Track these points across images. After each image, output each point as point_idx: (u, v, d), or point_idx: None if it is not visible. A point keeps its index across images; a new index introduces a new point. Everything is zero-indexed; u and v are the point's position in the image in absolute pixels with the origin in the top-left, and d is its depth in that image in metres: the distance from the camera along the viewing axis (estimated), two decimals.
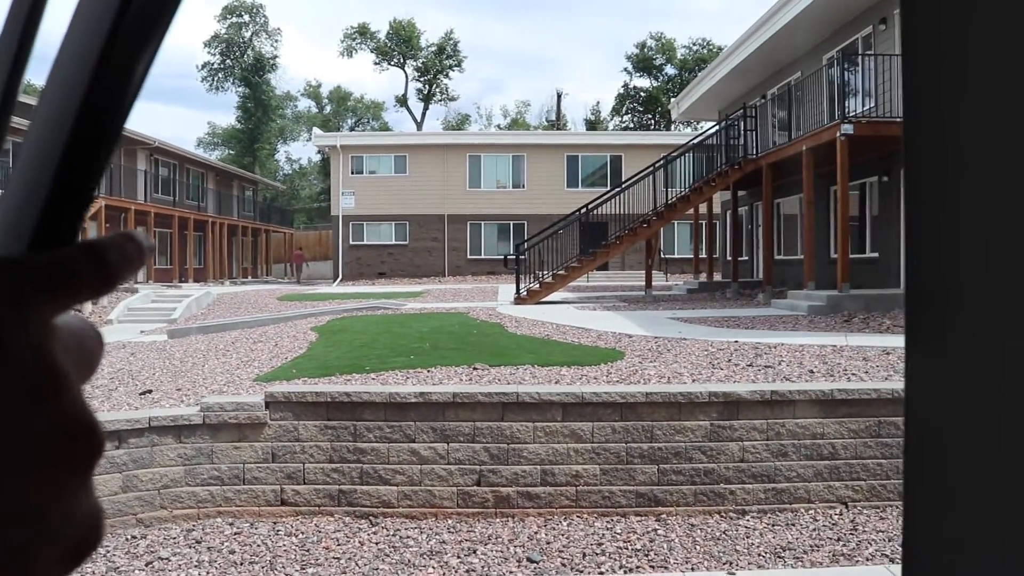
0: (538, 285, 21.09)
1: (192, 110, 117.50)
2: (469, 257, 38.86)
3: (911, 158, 0.50)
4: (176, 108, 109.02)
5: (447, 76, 66.63)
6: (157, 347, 14.92)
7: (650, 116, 64.36)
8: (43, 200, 0.36)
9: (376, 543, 7.48)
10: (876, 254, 17.99)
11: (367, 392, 8.49)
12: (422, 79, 66.36)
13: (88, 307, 24.75)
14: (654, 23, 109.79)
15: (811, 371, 9.28)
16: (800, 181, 17.97)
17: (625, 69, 65.97)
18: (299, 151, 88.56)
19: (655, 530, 7.59)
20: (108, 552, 7.34)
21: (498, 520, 7.94)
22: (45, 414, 0.28)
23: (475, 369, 10.13)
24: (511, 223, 38.66)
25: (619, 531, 7.59)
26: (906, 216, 0.50)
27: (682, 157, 22.96)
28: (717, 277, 26.96)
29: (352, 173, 39.25)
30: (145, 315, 23.16)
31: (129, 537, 7.69)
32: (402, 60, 65.39)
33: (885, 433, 7.94)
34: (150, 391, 10.15)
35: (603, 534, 7.54)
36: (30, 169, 0.37)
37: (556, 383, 9.08)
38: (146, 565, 7.08)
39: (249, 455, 8.25)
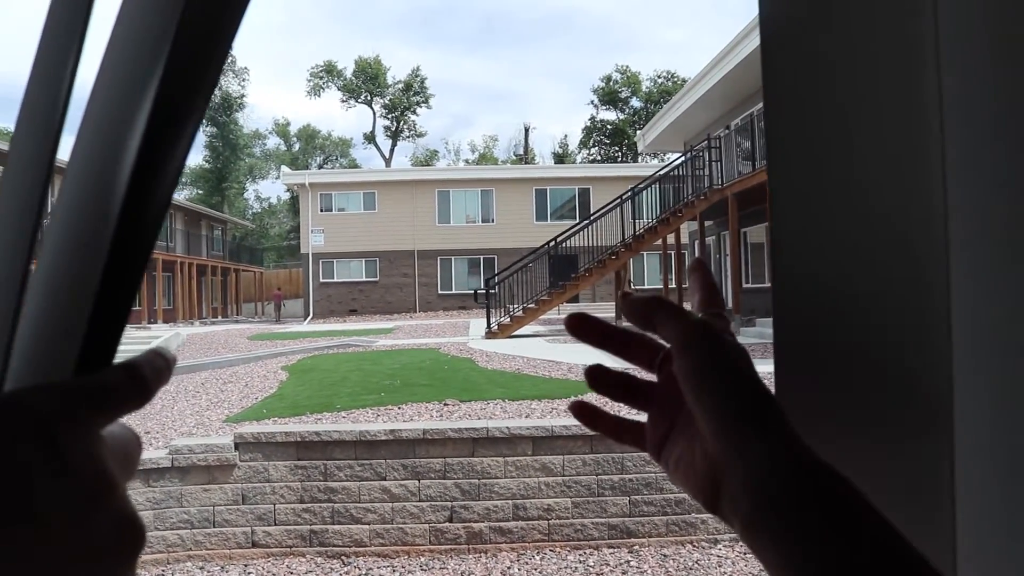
0: (509, 319, 21.14)
1: None
2: (440, 292, 38.86)
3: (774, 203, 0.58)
4: None
5: (415, 112, 66.95)
6: None
7: (617, 148, 64.95)
8: (84, 323, 0.40)
9: None
10: None
11: (337, 431, 8.47)
12: (390, 116, 66.63)
13: None
14: (619, 56, 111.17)
15: None
16: (766, 210, 18.19)
17: (591, 102, 66.65)
18: (268, 189, 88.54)
19: (628, 562, 7.61)
20: None
21: (471, 556, 7.93)
22: (101, 514, 0.33)
23: (446, 405, 10.13)
24: (481, 257, 38.74)
25: (592, 564, 7.60)
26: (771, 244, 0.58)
27: (649, 188, 23.18)
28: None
29: (321, 210, 39.21)
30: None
31: None
32: (369, 97, 65.66)
33: None
34: None
35: (576, 567, 7.55)
36: (66, 292, 0.42)
37: (527, 417, 9.11)
38: None
39: (219, 497, 8.20)
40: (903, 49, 0.51)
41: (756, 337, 16.63)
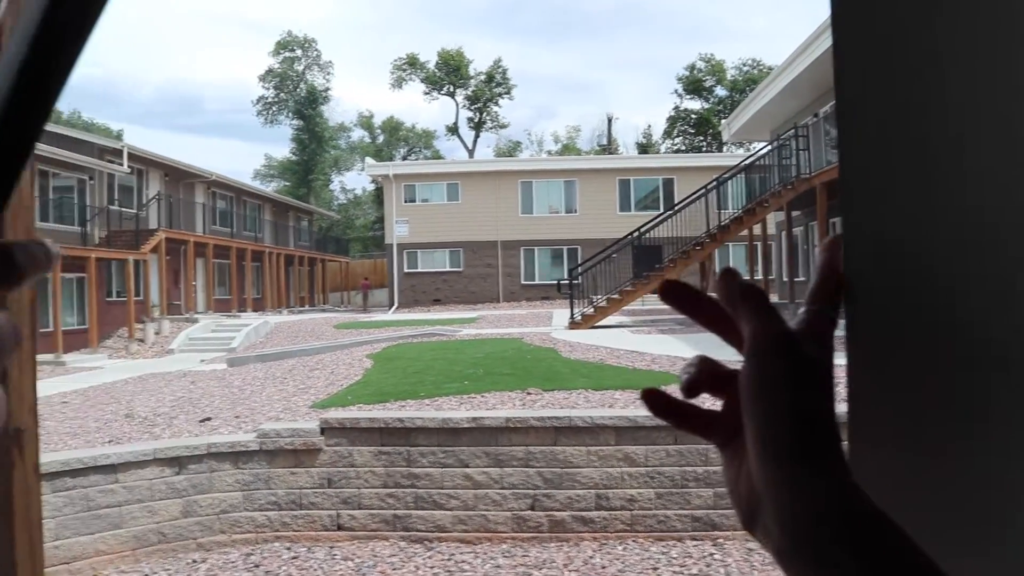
0: (592, 309, 21.04)
1: (248, 143, 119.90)
2: (523, 283, 38.90)
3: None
4: (233, 142, 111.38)
5: (497, 104, 67.06)
6: (217, 375, 15.18)
7: (701, 138, 64.07)
8: None
9: (431, 568, 7.51)
10: None
11: (420, 418, 8.55)
12: (472, 107, 66.89)
13: (151, 336, 25.31)
14: (704, 44, 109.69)
15: None
16: None
17: (675, 91, 65.86)
18: (353, 181, 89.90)
19: (711, 555, 7.50)
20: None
21: (553, 544, 7.93)
22: None
23: (528, 394, 10.14)
24: (564, 248, 38.65)
25: (675, 556, 7.52)
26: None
27: (734, 178, 22.82)
28: (774, 298, 26.64)
29: (405, 201, 39.61)
30: (206, 344, 23.58)
31: (190, 561, 7.82)
32: (452, 89, 66.02)
33: None
34: (209, 418, 10.33)
35: (658, 558, 7.48)
36: None
37: (610, 407, 9.05)
38: None
39: (305, 480, 8.35)
40: (995, 26, 0.46)
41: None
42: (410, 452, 8.40)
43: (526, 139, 78.23)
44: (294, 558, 7.82)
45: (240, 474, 8.35)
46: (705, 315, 0.54)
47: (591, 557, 7.61)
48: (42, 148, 24.04)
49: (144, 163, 31.55)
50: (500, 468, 8.20)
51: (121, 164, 28.72)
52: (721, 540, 7.75)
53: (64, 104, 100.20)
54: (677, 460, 7.99)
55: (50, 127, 29.55)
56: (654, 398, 0.53)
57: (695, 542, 7.77)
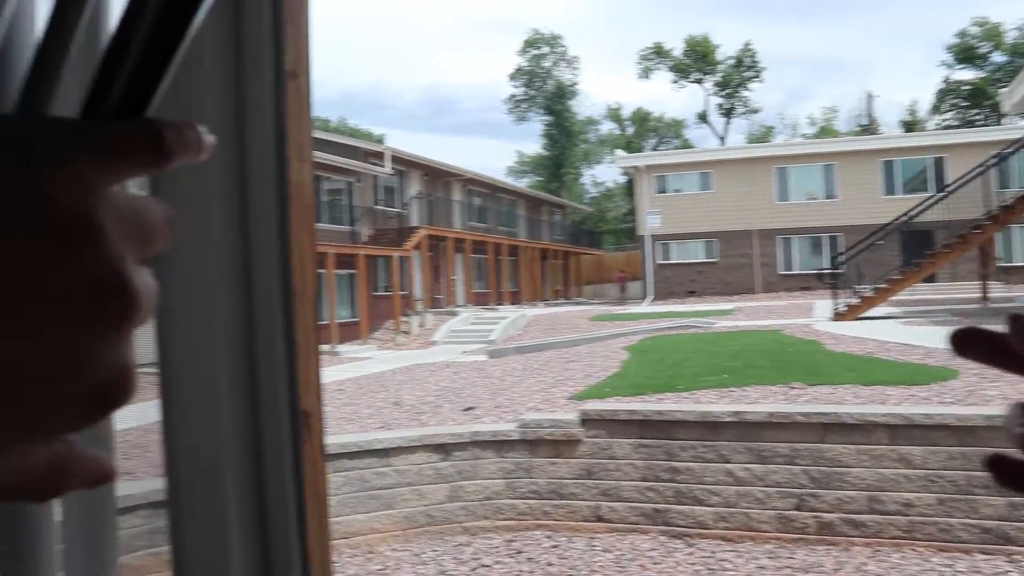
0: (858, 300, 19.92)
1: (501, 141, 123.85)
2: (780, 272, 37.52)
3: None
4: (487, 140, 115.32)
5: (747, 88, 65.08)
6: (477, 366, 15.72)
7: (976, 111, 59.01)
8: (123, 72, 0.35)
9: (692, 564, 7.37)
10: None
11: (680, 411, 8.42)
12: (721, 93, 65.33)
13: (415, 328, 26.68)
14: (975, 8, 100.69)
15: None
16: None
17: (943, 62, 61.02)
18: (604, 173, 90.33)
19: (1007, 572, 6.85)
20: (438, 556, 7.80)
21: (820, 548, 7.55)
22: (75, 262, 0.29)
23: (791, 388, 9.73)
24: (824, 236, 36.89)
25: (961, 569, 6.94)
26: None
27: (1019, 152, 20.80)
28: None
29: (657, 192, 39.32)
30: (466, 336, 24.54)
31: (456, 544, 8.13)
32: (700, 76, 64.79)
33: None
34: (472, 408, 10.71)
35: (942, 571, 6.93)
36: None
37: (881, 404, 8.50)
38: (471, 571, 7.44)
39: (565, 471, 8.45)
40: None
41: None
42: (670, 446, 8.29)
43: (779, 123, 75.28)
44: (554, 547, 7.93)
45: (503, 462, 8.58)
46: (1018, 362, 0.44)
47: (863, 564, 7.18)
48: (315, 155, 25.98)
49: (404, 164, 33.29)
50: (763, 465, 7.92)
51: (383, 166, 30.46)
52: (1018, 556, 7.06)
53: (332, 112, 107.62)
54: (962, 463, 7.36)
55: (320, 134, 31.86)
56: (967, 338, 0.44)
57: (985, 556, 7.12)
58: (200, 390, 1.08)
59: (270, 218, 1.17)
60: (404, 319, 27.54)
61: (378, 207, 31.32)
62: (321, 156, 26.53)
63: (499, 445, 8.65)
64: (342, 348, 23.12)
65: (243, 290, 1.14)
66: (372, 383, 14.76)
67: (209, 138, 0.35)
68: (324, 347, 23.16)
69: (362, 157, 30.15)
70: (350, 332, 26.39)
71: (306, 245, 1.72)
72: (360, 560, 7.84)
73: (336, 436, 9.00)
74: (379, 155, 31.11)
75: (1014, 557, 7.05)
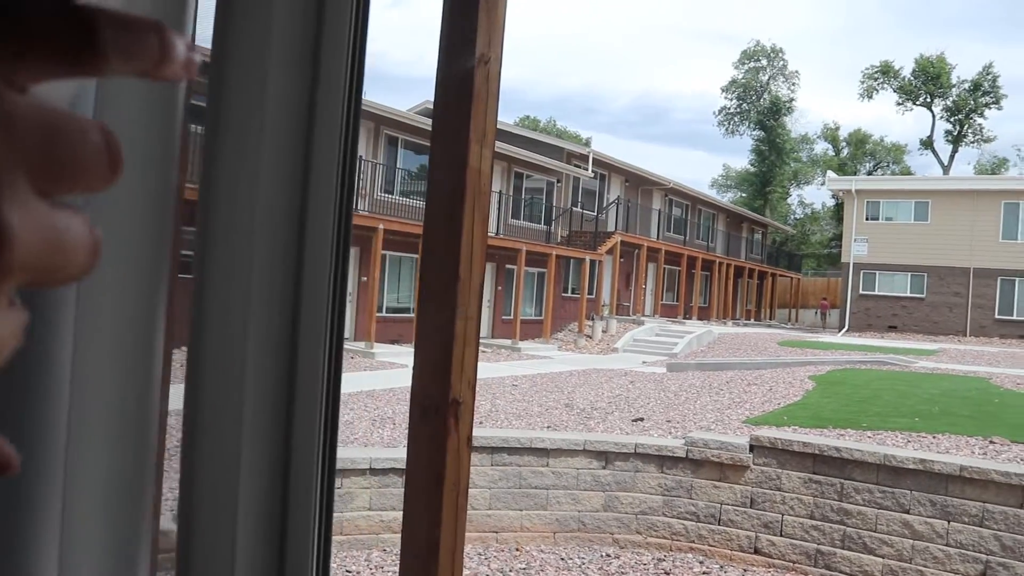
0: None
1: (710, 153, 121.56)
2: (997, 317, 34.82)
3: None
4: (696, 152, 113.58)
5: (982, 115, 60.80)
6: (655, 378, 15.43)
7: None
8: None
9: None
10: None
11: (859, 450, 7.88)
12: (952, 119, 61.34)
13: (598, 333, 26.56)
14: None
15: None
16: None
17: None
18: (812, 195, 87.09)
19: None
20: (583, 564, 7.65)
21: None
22: None
23: (991, 442, 8.93)
24: None
25: None
26: None
27: None
28: None
29: (866, 219, 37.43)
30: (648, 347, 24.20)
31: (604, 555, 7.94)
32: (929, 99, 61.09)
33: None
34: (642, 419, 10.48)
35: None
36: None
37: None
38: None
39: (727, 496, 8.09)
40: None
41: None
42: (843, 485, 7.77)
43: (1015, 155, 70.05)
44: (705, 573, 7.61)
45: (663, 478, 8.32)
46: None
47: None
48: (519, 152, 26.34)
49: (607, 168, 33.21)
50: (947, 522, 7.27)
51: (586, 168, 30.48)
52: None
53: (543, 112, 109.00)
54: None
55: (527, 133, 32.27)
56: None
57: None
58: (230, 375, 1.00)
59: (329, 188, 1.07)
60: (588, 323, 27.48)
61: (576, 209, 31.43)
62: (524, 154, 26.85)
63: (662, 460, 8.39)
64: (523, 345, 23.31)
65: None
66: (547, 382, 14.76)
67: (185, 50, 0.27)
68: (506, 342, 23.45)
69: (565, 158, 30.34)
70: (533, 330, 26.59)
71: (477, 234, 1.64)
72: (506, 556, 7.80)
73: (503, 430, 9.01)
74: (583, 157, 31.21)
75: None
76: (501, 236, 25.26)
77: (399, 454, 7.62)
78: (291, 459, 1.05)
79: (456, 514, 1.60)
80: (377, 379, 14.17)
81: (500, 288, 26.40)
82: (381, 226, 19.22)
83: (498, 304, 26.38)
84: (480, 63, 1.51)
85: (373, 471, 7.60)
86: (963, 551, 7.12)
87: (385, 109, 21.99)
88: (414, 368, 1.59)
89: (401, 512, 1.46)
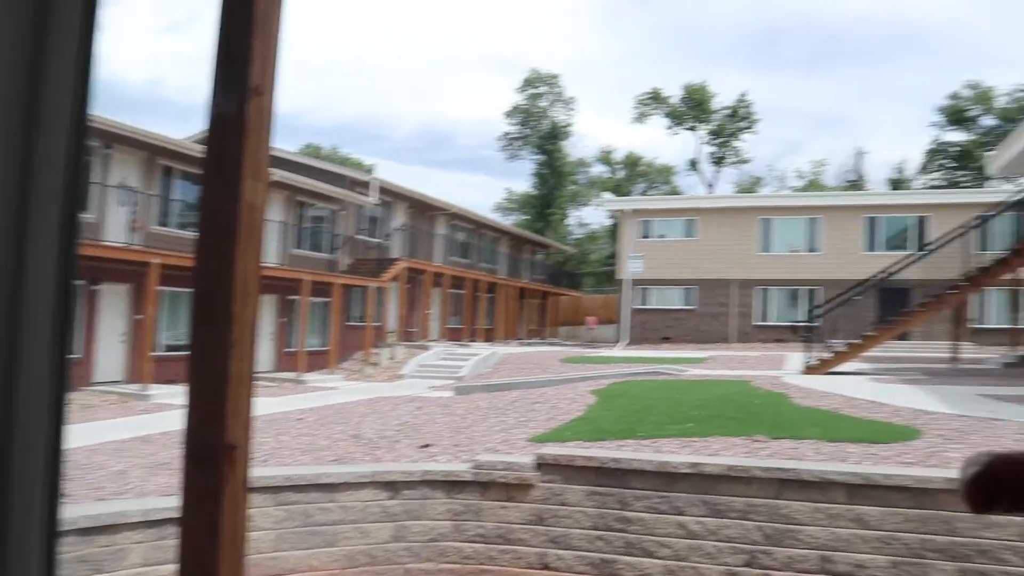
0: (830, 354, 19.83)
1: (494, 178, 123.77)
2: (756, 323, 37.51)
3: None
4: (479, 177, 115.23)
5: (739, 139, 65.64)
6: (442, 403, 15.49)
7: (963, 172, 59.56)
8: None
9: None
10: None
11: (637, 459, 8.23)
12: (714, 142, 65.82)
13: (385, 360, 26.40)
14: (968, 72, 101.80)
15: None
16: None
17: (935, 123, 61.65)
18: (590, 216, 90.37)
19: None
20: None
21: None
22: None
23: (755, 441, 9.56)
24: (803, 288, 36.97)
25: None
26: None
27: (1000, 216, 20.87)
28: None
29: (640, 237, 39.39)
30: (435, 372, 24.29)
31: None
32: (694, 124, 65.29)
33: None
34: (429, 445, 10.48)
35: None
36: None
37: (842, 461, 8.34)
38: None
39: (515, 515, 8.23)
40: None
41: None
42: (623, 494, 8.09)
43: (768, 175, 75.78)
44: None
45: (452, 503, 8.35)
46: None
47: None
48: (301, 180, 25.85)
49: (391, 195, 33.21)
50: (717, 519, 7.72)
51: (369, 196, 30.35)
52: None
53: (325, 139, 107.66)
54: (917, 526, 7.20)
55: (308, 160, 31.79)
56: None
57: None
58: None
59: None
60: (375, 351, 27.27)
61: (360, 236, 31.20)
62: (307, 183, 26.39)
63: (450, 485, 8.43)
64: (309, 376, 22.83)
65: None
66: (334, 414, 14.50)
67: None
68: (290, 375, 22.88)
69: (349, 186, 30.07)
70: (319, 361, 26.10)
71: (251, 269, 1.56)
72: None
73: (287, 468, 8.76)
74: (366, 184, 31.04)
75: None
76: (284, 267, 24.66)
77: (176, 502, 7.23)
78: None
79: (235, 565, 1.52)
80: (153, 422, 13.43)
81: (283, 320, 25.74)
82: (156, 260, 18.30)
83: (281, 336, 25.69)
84: (253, 95, 1.46)
85: (148, 523, 7.17)
86: (732, 544, 7.58)
87: (159, 138, 20.94)
88: (186, 413, 1.50)
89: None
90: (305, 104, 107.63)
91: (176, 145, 21.61)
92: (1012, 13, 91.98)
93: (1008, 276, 21.13)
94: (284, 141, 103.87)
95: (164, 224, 21.89)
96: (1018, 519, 6.96)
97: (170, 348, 21.18)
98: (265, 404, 16.41)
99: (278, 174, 24.11)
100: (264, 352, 24.88)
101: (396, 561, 8.06)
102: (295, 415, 14.38)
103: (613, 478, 8.17)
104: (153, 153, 21.33)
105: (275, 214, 25.32)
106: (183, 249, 20.24)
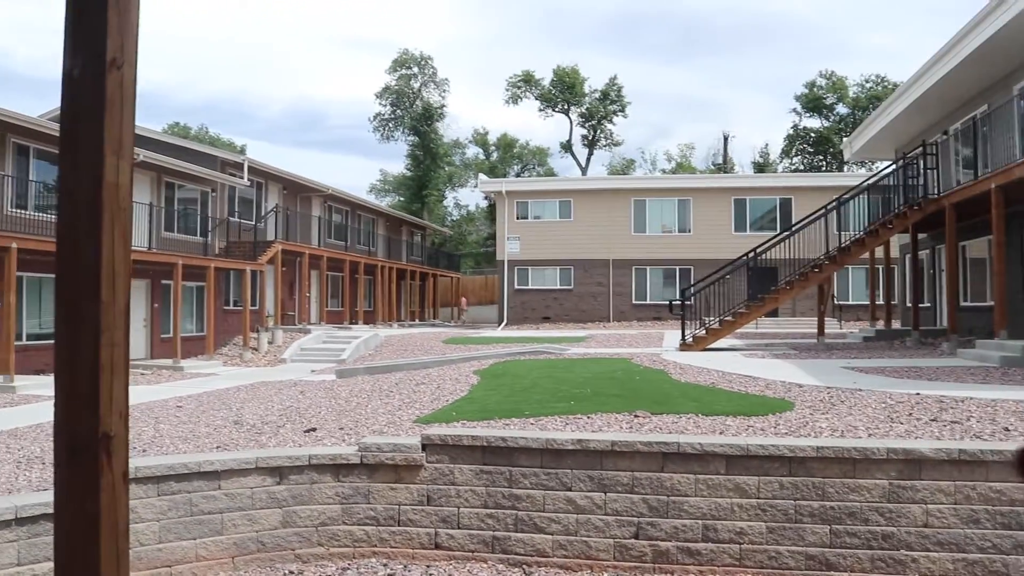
0: (704, 331, 20.51)
1: (368, 159, 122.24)
2: (634, 302, 38.43)
3: None
4: (353, 158, 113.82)
5: (611, 122, 66.80)
6: (325, 386, 15.32)
7: (821, 157, 62.32)
8: None
9: None
10: None
11: (524, 437, 8.33)
12: (586, 125, 66.78)
13: (264, 345, 25.87)
14: (825, 62, 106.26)
15: (1006, 429, 8.47)
16: (988, 221, 16.78)
17: (794, 110, 64.25)
18: (467, 197, 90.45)
19: None
20: None
21: (656, 575, 7.59)
22: None
23: (636, 417, 9.81)
24: (677, 268, 38.05)
25: None
26: None
27: (856, 198, 21.94)
28: (896, 325, 25.52)
29: (518, 218, 39.71)
30: (316, 355, 23.97)
31: (287, 572, 7.78)
32: (567, 107, 66.07)
33: None
34: (314, 429, 10.35)
35: None
36: None
37: (720, 434, 8.66)
38: None
39: (405, 496, 8.23)
40: None
41: (976, 360, 15.30)
42: (512, 472, 8.19)
43: (640, 157, 77.51)
44: (390, 575, 7.69)
45: (340, 487, 8.29)
46: None
47: None
48: (169, 161, 24.96)
49: (264, 176, 32.45)
50: (604, 493, 7.92)
51: (241, 177, 29.58)
52: None
53: (193, 119, 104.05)
54: (792, 493, 7.56)
55: (177, 141, 30.71)
56: None
57: None
58: None
59: None
60: (253, 335, 26.70)
61: (234, 219, 30.40)
62: (176, 163, 25.50)
63: (338, 469, 8.36)
64: (186, 363, 22.17)
65: None
66: (214, 400, 14.16)
67: None
68: (167, 362, 22.18)
69: (220, 167, 29.23)
70: (196, 347, 25.39)
71: (119, 252, 1.49)
72: None
73: (168, 457, 8.51)
74: (238, 165, 30.23)
75: None
76: (155, 251, 23.81)
77: (51, 497, 6.96)
78: None
79: (117, 559, 1.47)
80: (20, 415, 12.83)
81: (157, 305, 24.89)
82: (14, 245, 17.38)
83: (156, 323, 24.84)
84: (112, 68, 1.38)
85: (20, 520, 6.86)
86: (619, 517, 7.79)
87: (12, 114, 19.81)
88: (56, 403, 1.44)
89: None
90: (172, 81, 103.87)
91: (31, 122, 20.46)
92: (863, 6, 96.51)
93: (865, 255, 22.27)
94: (148, 120, 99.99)
95: (22, 207, 20.79)
96: (882, 482, 7.39)
97: (35, 336, 20.23)
98: (143, 392, 15.88)
99: (144, 154, 23.21)
100: (138, 339, 24.02)
101: (286, 547, 7.96)
102: (173, 403, 13.98)
103: (501, 456, 8.26)
104: (5, 130, 20.19)
105: (143, 196, 24.39)
106: (46, 232, 19.31)
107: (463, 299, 49.27)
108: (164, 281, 24.62)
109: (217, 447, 9.38)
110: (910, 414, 9.43)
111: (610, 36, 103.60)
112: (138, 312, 24.07)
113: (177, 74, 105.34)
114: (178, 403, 13.91)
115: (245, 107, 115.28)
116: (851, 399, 10.67)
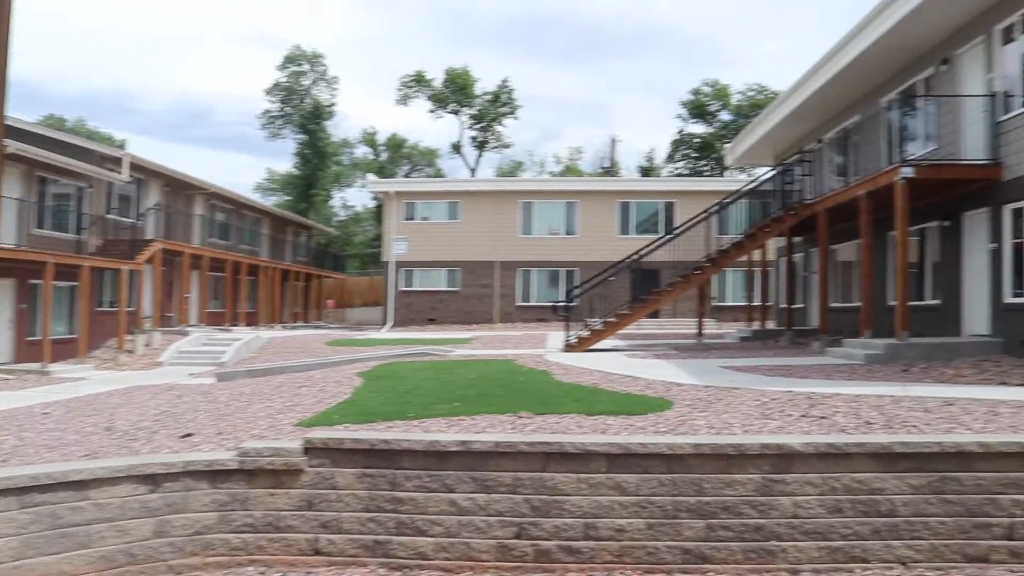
0: (588, 332, 20.80)
1: (255, 157, 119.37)
2: (519, 304, 38.72)
3: None
4: (240, 155, 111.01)
5: (501, 124, 67.12)
6: (203, 390, 14.90)
7: (704, 162, 64.08)
8: None
9: None
10: (937, 301, 17.42)
11: (407, 439, 8.27)
12: (476, 126, 66.92)
13: (140, 347, 25.01)
14: (711, 70, 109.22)
15: (868, 423, 8.87)
16: (857, 227, 17.55)
17: (679, 116, 65.88)
18: (354, 197, 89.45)
19: None
20: None
21: (537, 575, 7.64)
22: None
23: (519, 417, 9.87)
24: (562, 270, 38.52)
25: None
26: None
27: (736, 203, 22.65)
28: (771, 325, 26.43)
29: (406, 219, 39.52)
30: (195, 358, 23.30)
31: None
32: (457, 108, 66.07)
33: (948, 489, 7.50)
34: (191, 434, 10.05)
35: None
36: None
37: (602, 433, 8.79)
38: None
39: (284, 502, 8.07)
40: None
41: (843, 358, 15.97)
42: (395, 475, 8.12)
43: (528, 160, 78.09)
44: None
45: (217, 494, 8.06)
46: None
47: None
48: (42, 154, 23.85)
49: (144, 172, 31.38)
50: (487, 494, 7.92)
51: (121, 173, 28.52)
52: (712, 574, 7.46)
53: (69, 111, 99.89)
54: (670, 489, 7.72)
55: (51, 133, 29.38)
56: None
57: (685, 575, 7.49)
58: None
59: None
60: (129, 338, 25.77)
61: (111, 216, 29.30)
62: (49, 156, 24.35)
63: (214, 475, 8.12)
64: (54, 367, 21.23)
65: None
66: (84, 406, 13.59)
67: None
68: (34, 366, 21.20)
69: (97, 161, 28.07)
70: (66, 350, 24.33)
71: None
72: None
73: (31, 467, 8.12)
74: (117, 160, 29.09)
75: (709, 574, 7.46)
76: (24, 248, 22.74)
77: None
78: None
79: None
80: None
81: (24, 306, 23.75)
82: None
83: (22, 324, 23.69)
84: None
85: None
86: (501, 518, 7.81)
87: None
88: None
89: None
90: (44, 69, 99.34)
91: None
92: (744, 18, 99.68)
93: (743, 258, 22.98)
94: (21, 110, 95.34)
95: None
96: (755, 476, 7.63)
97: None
98: (4, 398, 15.15)
99: (14, 146, 22.12)
100: (2, 342, 22.88)
101: (159, 558, 7.68)
102: (39, 409, 13.36)
103: (383, 459, 8.17)
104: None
105: (12, 190, 23.25)
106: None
107: (329, 301, 49.09)
108: (33, 280, 23.52)
109: (86, 455, 9.00)
110: (782, 411, 9.77)
111: (506, 38, 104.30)
112: (2, 313, 22.93)
113: (55, 63, 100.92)
114: (45, 409, 13.31)
115: (127, 100, 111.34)
116: (728, 397, 10.99)
